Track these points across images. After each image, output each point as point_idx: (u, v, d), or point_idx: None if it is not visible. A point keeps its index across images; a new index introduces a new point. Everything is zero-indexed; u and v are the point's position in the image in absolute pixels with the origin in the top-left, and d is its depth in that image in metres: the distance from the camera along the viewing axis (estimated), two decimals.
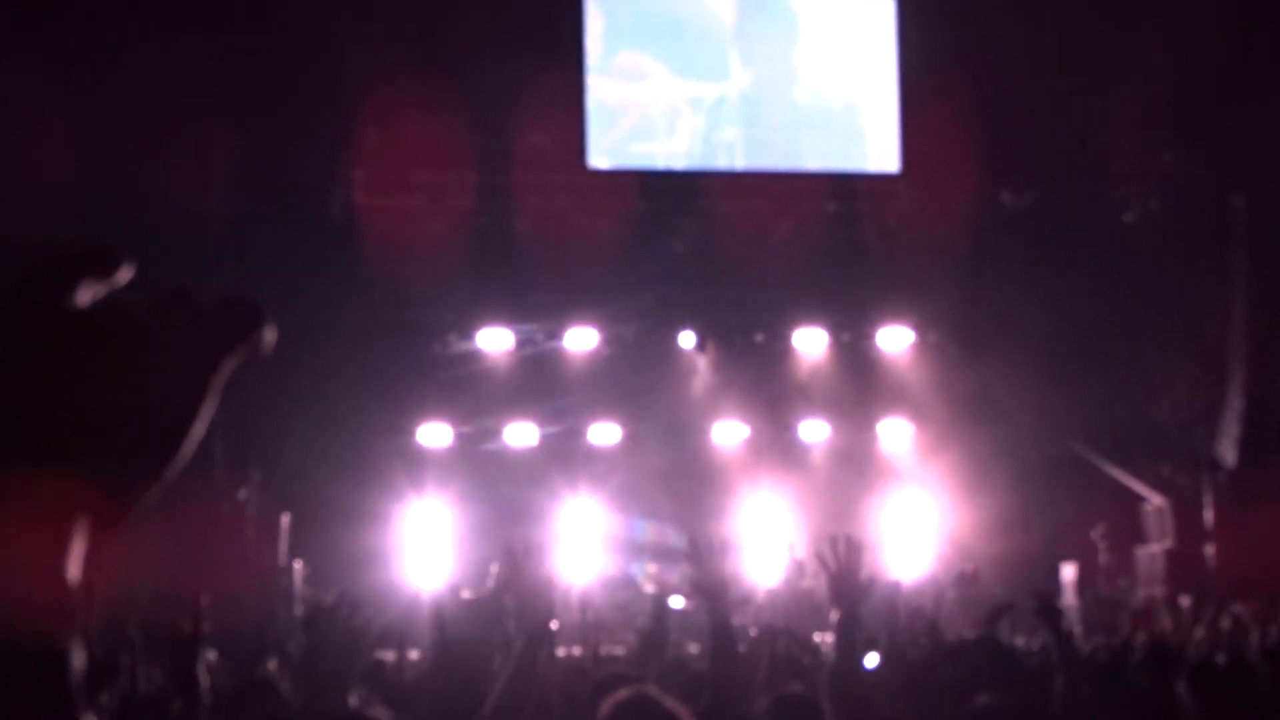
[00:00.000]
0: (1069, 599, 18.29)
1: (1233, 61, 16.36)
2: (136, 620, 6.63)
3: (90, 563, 0.97)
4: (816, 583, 18.51)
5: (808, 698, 5.52)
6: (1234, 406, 18.09)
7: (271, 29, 15.93)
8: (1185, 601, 16.34)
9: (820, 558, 4.39)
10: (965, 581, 17.76)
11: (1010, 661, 5.78)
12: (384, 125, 18.09)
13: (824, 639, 11.05)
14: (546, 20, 18.12)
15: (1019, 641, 10.56)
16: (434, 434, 20.44)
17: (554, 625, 4.77)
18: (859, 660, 4.44)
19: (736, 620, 5.20)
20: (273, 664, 8.55)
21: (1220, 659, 7.26)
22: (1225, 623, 9.38)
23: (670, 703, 4.11)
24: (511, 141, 18.32)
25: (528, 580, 4.54)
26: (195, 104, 15.68)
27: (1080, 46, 17.44)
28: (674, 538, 20.07)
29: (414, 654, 9.60)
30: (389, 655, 9.56)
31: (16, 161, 14.30)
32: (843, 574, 4.34)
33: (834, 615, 4.39)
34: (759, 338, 20.84)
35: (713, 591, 4.91)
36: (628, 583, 19.23)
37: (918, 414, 20.81)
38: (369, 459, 19.14)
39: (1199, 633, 8.48)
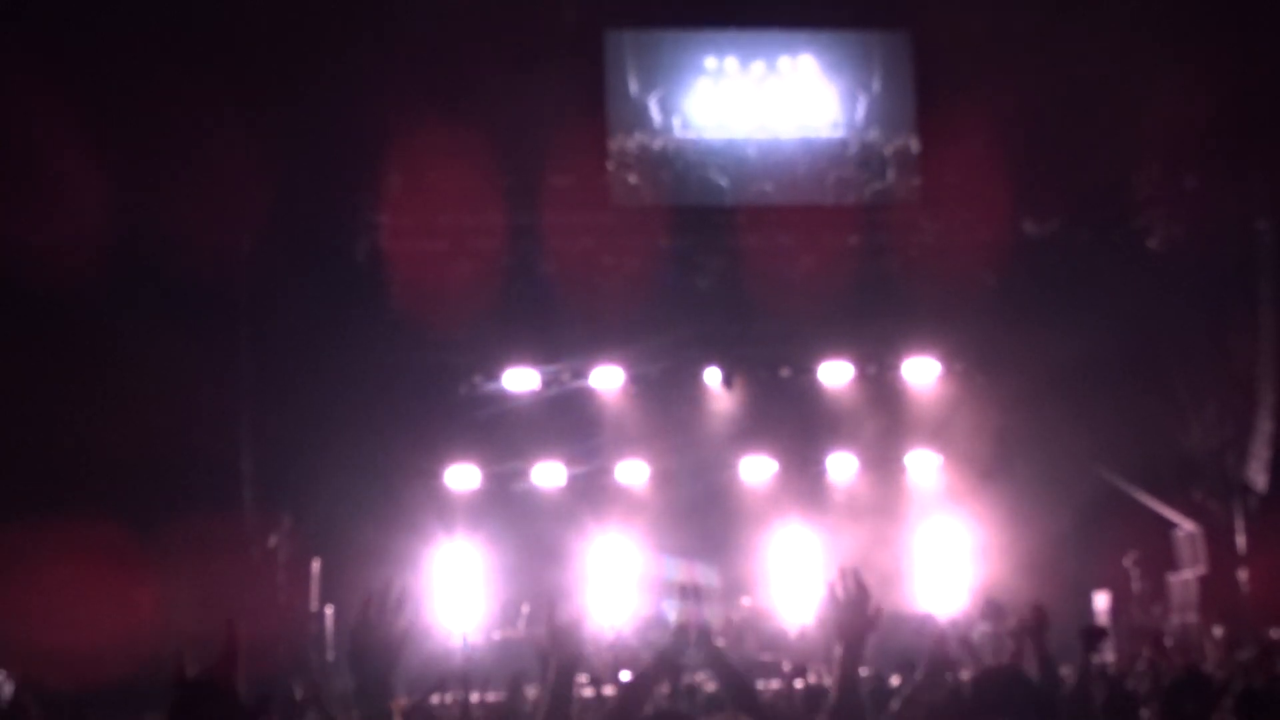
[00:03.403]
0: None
1: (1255, 87, 16.31)
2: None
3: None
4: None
5: None
6: (1263, 431, 17.97)
7: (300, 77, 16.06)
8: (1220, 630, 16.22)
9: (831, 589, 4.30)
10: (995, 613, 17.66)
11: (1028, 688, 5.75)
12: (409, 170, 18.18)
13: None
14: (568, 63, 18.17)
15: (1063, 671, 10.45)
16: (462, 476, 20.47)
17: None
18: (860, 698, 4.34)
19: (768, 656, 5.12)
20: (311, 714, 8.55)
21: (1258, 686, 7.21)
22: (1259, 650, 9.31)
23: None
24: (536, 183, 18.38)
25: (557, 619, 4.49)
26: (224, 151, 15.81)
27: (1101, 73, 17.41)
28: (705, 575, 20.02)
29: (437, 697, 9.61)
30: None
31: (53, 208, 14.45)
32: (850, 606, 4.24)
33: (837, 650, 4.25)
34: (785, 372, 20.81)
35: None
36: (659, 621, 19.16)
37: (946, 445, 20.74)
38: (398, 502, 19.16)
39: (1238, 659, 8.39)
